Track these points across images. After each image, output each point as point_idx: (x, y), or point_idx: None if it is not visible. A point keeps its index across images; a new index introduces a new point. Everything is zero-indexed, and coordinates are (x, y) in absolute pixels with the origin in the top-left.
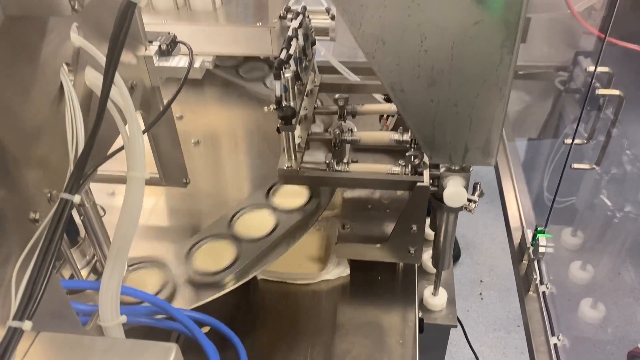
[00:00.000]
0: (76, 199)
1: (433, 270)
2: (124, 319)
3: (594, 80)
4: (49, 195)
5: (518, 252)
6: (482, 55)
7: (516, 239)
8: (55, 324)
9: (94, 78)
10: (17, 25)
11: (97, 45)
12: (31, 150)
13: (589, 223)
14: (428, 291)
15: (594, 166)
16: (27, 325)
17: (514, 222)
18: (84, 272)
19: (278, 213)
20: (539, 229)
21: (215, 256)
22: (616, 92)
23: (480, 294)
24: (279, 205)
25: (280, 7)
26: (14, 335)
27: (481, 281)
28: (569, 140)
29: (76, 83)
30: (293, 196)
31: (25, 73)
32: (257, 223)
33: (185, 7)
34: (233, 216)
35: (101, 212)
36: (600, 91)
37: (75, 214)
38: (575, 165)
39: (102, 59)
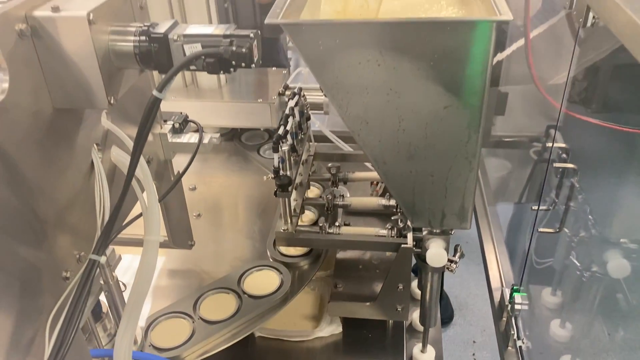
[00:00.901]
0: (102, 259)
1: (421, 328)
2: None
3: (554, 154)
4: (77, 256)
5: (498, 310)
6: (452, 134)
7: (496, 298)
8: None
9: (118, 156)
10: (61, 115)
11: (121, 127)
12: (65, 218)
13: (565, 283)
14: (417, 348)
15: (557, 230)
16: None
17: (495, 282)
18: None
19: (282, 274)
20: (514, 287)
21: (219, 307)
22: (570, 165)
23: (474, 354)
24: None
25: (280, 85)
26: None
27: (474, 342)
28: (535, 207)
29: (104, 159)
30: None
31: (64, 154)
32: (260, 282)
33: (193, 85)
34: (241, 275)
35: (122, 288)
36: (556, 164)
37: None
38: (541, 229)
39: (126, 139)
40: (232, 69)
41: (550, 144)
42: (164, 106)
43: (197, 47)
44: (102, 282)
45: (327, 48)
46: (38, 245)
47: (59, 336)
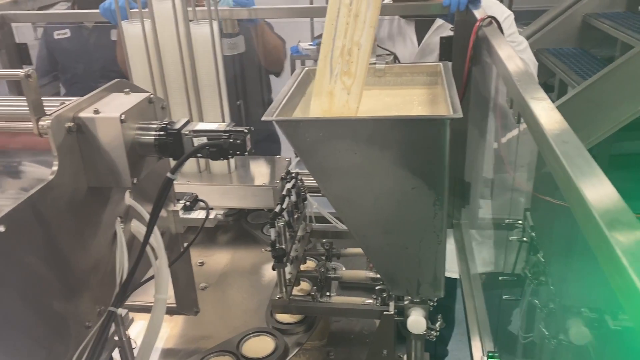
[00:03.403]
0: (119, 311)
1: None
2: None
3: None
4: (98, 310)
5: None
6: (420, 210)
7: None
8: None
9: (137, 227)
10: (93, 193)
11: (141, 204)
12: (90, 278)
13: (542, 354)
14: None
15: (519, 298)
16: None
17: (477, 350)
18: None
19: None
20: (489, 354)
21: None
22: (524, 239)
23: None
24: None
25: (282, 171)
26: None
27: None
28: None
29: (125, 230)
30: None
31: (93, 225)
32: (257, 345)
33: (206, 171)
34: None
35: (133, 344)
36: (514, 238)
37: None
38: (505, 297)
39: (144, 214)
40: (229, 156)
41: (521, 222)
42: (181, 188)
43: (203, 140)
44: (116, 338)
45: (312, 140)
46: (67, 299)
47: None
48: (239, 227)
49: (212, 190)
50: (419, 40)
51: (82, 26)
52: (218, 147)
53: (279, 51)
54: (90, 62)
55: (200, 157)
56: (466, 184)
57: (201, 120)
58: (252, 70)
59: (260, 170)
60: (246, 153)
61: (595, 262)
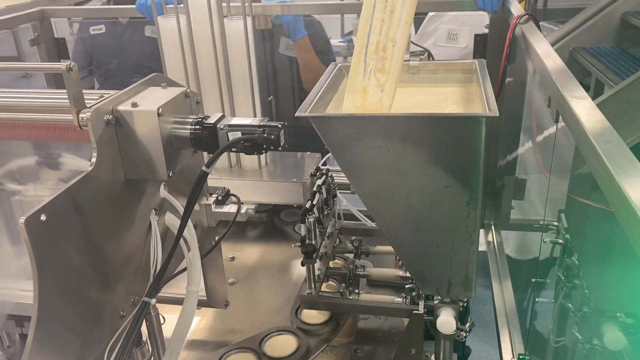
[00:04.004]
0: (152, 301)
1: None
2: None
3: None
4: (132, 300)
5: None
6: (453, 210)
7: None
8: None
9: (171, 219)
10: (129, 185)
11: (174, 196)
12: (125, 269)
13: (575, 359)
14: None
15: (553, 301)
16: None
17: (506, 353)
18: None
19: (300, 339)
20: (520, 356)
21: None
22: (559, 240)
23: None
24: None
25: (312, 168)
26: None
27: None
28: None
29: (159, 222)
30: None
31: (129, 216)
32: (279, 344)
33: (237, 166)
34: (263, 337)
35: (162, 320)
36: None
37: None
38: (536, 299)
39: (178, 207)
40: (264, 151)
41: (556, 224)
42: (212, 182)
43: (237, 134)
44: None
45: (345, 136)
46: (103, 289)
47: None
48: (271, 224)
49: (243, 185)
50: (416, 29)
51: (116, 22)
52: (252, 142)
53: (316, 75)
54: (124, 57)
55: (235, 151)
56: (498, 184)
57: (233, 114)
58: (284, 67)
59: (290, 166)
60: (280, 148)
61: (636, 266)
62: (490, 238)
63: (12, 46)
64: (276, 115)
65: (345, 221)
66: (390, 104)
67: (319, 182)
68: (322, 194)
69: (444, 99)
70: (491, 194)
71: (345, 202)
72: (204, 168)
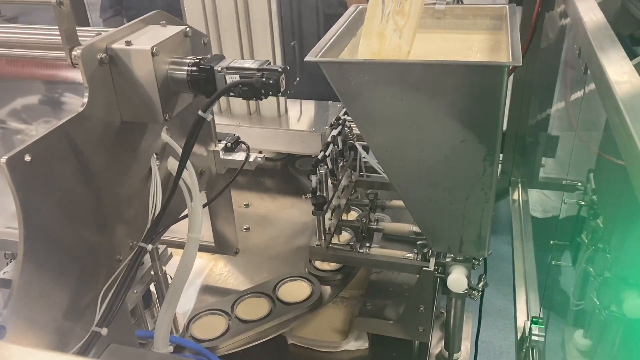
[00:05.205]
0: (149, 247)
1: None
2: (170, 349)
3: (587, 195)
4: (130, 244)
5: (520, 342)
6: (469, 165)
7: (520, 330)
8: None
9: (173, 165)
10: (127, 127)
11: (177, 140)
12: (123, 212)
13: (591, 324)
14: None
15: (571, 265)
16: (104, 331)
17: (521, 313)
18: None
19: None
20: (534, 319)
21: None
22: (581, 202)
23: None
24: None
25: (333, 117)
26: (94, 337)
27: None
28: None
29: (160, 167)
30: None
31: (128, 159)
32: (293, 290)
33: (256, 113)
34: (277, 283)
35: (169, 280)
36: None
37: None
38: (555, 262)
39: (180, 152)
40: (262, 97)
41: (582, 187)
42: (229, 129)
43: (235, 78)
44: (152, 273)
45: (357, 83)
46: (99, 231)
47: (108, 305)
48: (287, 172)
49: (261, 133)
50: None
51: None
52: (250, 86)
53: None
54: None
55: (232, 96)
56: (528, 140)
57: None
58: (309, 10)
59: (311, 115)
60: (280, 94)
61: None
62: (515, 196)
63: None
64: (299, 61)
65: (365, 173)
66: (409, 51)
67: (334, 132)
68: (337, 145)
69: (469, 46)
70: (520, 151)
71: (365, 154)
72: (200, 112)
